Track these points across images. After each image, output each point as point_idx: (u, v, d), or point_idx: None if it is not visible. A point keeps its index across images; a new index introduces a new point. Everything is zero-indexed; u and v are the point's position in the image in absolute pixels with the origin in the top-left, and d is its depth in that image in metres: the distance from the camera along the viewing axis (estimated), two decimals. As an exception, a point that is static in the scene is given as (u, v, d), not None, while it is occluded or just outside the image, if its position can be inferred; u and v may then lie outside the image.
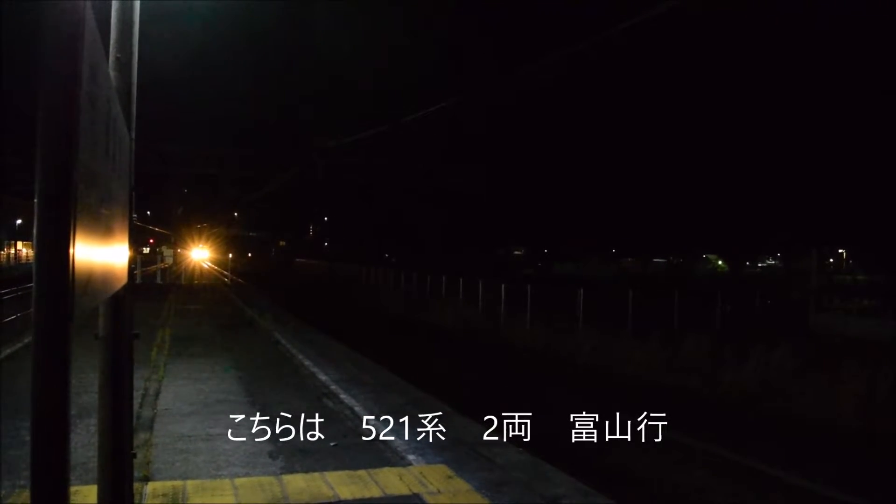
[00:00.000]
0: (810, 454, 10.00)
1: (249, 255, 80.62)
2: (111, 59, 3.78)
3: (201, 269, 52.95)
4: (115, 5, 3.92)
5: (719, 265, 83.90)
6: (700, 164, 45.81)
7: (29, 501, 4.79)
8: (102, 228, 2.10)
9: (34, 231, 1.46)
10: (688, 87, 45.63)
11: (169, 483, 5.72)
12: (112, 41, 3.87)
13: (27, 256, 58.23)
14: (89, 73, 1.65)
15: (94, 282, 1.93)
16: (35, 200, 1.45)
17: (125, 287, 3.44)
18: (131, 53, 3.96)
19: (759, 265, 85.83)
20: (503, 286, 23.78)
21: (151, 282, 34.59)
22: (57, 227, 1.46)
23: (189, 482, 5.76)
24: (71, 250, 1.48)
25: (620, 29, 10.59)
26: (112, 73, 3.64)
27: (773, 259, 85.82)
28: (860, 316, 20.19)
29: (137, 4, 4.03)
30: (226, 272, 55.64)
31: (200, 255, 58.98)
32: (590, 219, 57.79)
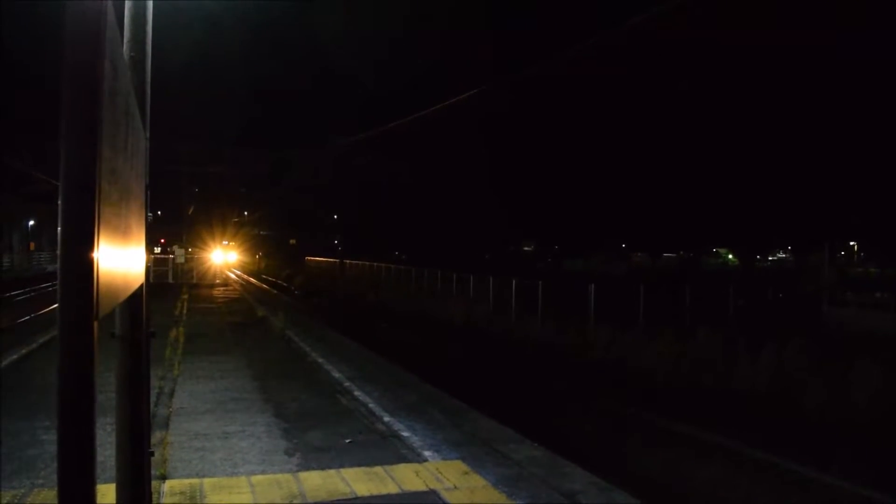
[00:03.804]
0: (824, 448, 9.93)
1: (259, 255, 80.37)
2: (125, 57, 3.77)
3: (225, 277, 43.42)
4: (128, 4, 3.92)
5: (730, 259, 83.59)
6: (711, 159, 45.62)
7: (48, 500, 4.78)
8: (123, 227, 2.09)
9: (59, 229, 1.45)
10: (699, 83, 45.42)
11: (186, 481, 5.73)
12: (126, 40, 3.87)
13: (39, 259, 58.61)
14: (110, 69, 1.64)
15: (116, 280, 1.92)
16: (59, 201, 1.44)
17: (142, 286, 3.44)
18: (145, 52, 3.96)
19: (770, 259, 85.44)
20: (514, 282, 23.78)
21: (163, 282, 34.69)
22: (82, 225, 1.44)
23: (206, 480, 5.77)
24: (95, 248, 1.47)
25: (629, 25, 10.54)
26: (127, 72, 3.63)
27: (784, 252, 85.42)
28: (874, 309, 20.05)
29: (150, 3, 4.03)
30: (245, 274, 55.45)
31: (221, 256, 50.40)
32: (600, 214, 57.66)
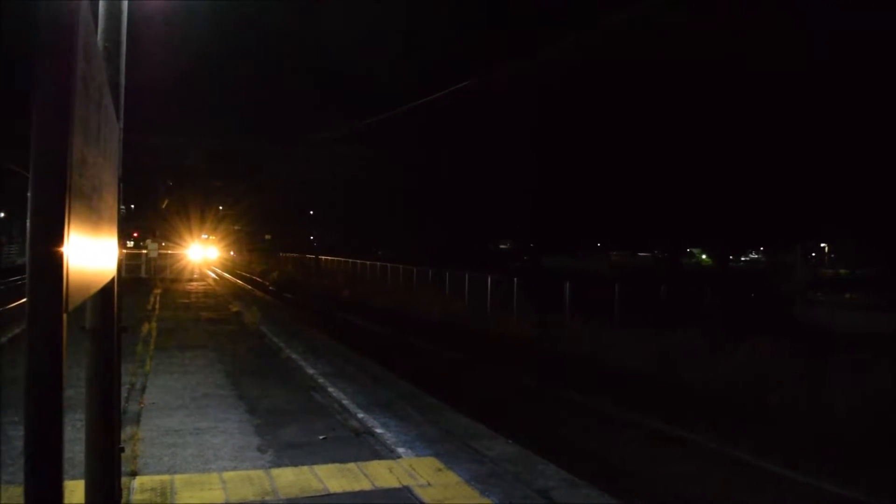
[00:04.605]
0: (801, 447, 10.06)
1: (232, 251, 79.14)
2: (100, 47, 3.71)
3: (201, 273, 41.35)
4: (103, -7, 3.87)
5: (703, 259, 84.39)
6: (685, 159, 46.01)
7: (15, 498, 4.70)
8: (94, 218, 2.05)
9: (28, 220, 1.42)
10: (673, 84, 45.78)
11: (157, 477, 5.67)
12: (100, 29, 3.81)
13: (9, 252, 57.65)
14: (83, 58, 1.60)
15: (86, 273, 1.89)
16: (29, 191, 1.41)
17: (113, 279, 3.39)
18: (119, 42, 3.91)
19: (743, 259, 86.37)
20: (489, 279, 23.88)
21: (136, 276, 34.30)
22: (51, 217, 1.42)
23: (177, 476, 5.71)
24: (65, 240, 1.44)
25: (610, 23, 10.58)
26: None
27: (757, 253, 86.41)
28: (846, 309, 20.38)
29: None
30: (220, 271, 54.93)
31: (200, 252, 47.39)
32: (576, 212, 57.90)
